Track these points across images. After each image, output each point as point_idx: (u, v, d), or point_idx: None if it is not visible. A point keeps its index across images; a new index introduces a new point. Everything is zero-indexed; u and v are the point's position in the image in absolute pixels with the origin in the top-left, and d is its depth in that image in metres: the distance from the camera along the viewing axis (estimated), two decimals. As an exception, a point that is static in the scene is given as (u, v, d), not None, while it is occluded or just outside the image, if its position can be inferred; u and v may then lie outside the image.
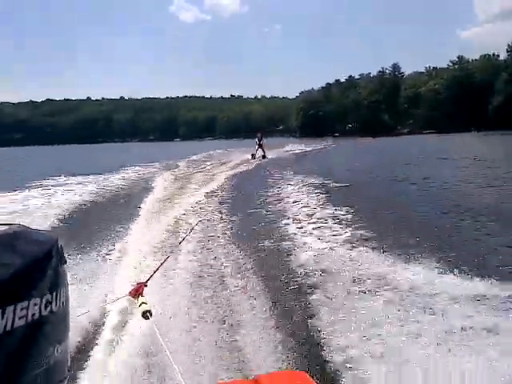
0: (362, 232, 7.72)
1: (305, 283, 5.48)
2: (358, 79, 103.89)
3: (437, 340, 3.76)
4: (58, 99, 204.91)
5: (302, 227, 8.45)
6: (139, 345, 3.62)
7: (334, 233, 7.90)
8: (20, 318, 0.83)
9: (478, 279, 5.00)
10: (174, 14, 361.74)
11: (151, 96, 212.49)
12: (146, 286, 2.18)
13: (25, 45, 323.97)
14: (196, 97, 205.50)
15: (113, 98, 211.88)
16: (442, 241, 7.19)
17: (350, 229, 8.02)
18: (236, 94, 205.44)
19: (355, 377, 3.43)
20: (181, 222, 9.66)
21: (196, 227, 8.47)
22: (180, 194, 14.06)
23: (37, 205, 12.28)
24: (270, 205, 11.45)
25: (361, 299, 4.84)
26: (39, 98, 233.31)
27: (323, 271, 5.76)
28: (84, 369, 3.50)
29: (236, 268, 6.40)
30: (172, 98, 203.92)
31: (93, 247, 7.46)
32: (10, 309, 0.82)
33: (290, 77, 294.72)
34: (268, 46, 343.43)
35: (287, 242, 7.52)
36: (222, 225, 9.31)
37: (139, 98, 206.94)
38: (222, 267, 6.46)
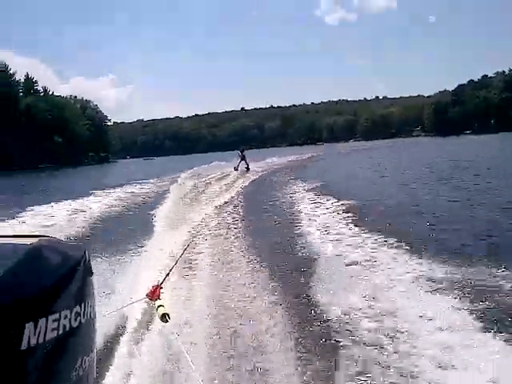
0: None
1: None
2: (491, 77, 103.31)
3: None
4: (219, 111, 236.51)
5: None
6: (159, 348, 3.54)
7: None
8: (52, 331, 0.85)
9: None
10: (320, 16, 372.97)
11: (296, 103, 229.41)
12: (161, 287, 2.22)
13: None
14: (335, 101, 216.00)
15: (263, 107, 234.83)
16: None
17: None
18: (373, 96, 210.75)
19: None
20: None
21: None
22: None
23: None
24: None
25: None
26: (203, 111, 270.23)
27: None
28: (105, 372, 3.40)
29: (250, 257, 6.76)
30: (314, 104, 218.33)
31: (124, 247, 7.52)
32: (43, 321, 0.83)
33: (430, 75, 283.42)
34: (411, 44, 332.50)
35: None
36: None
37: (287, 105, 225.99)
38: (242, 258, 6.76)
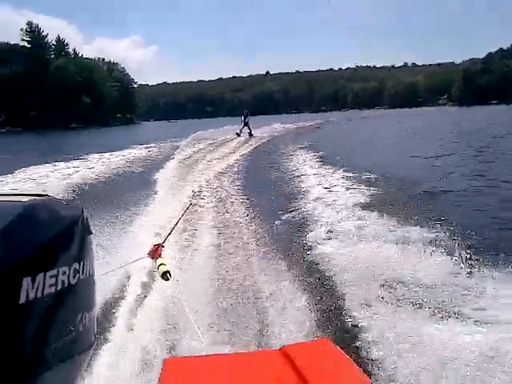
0: None
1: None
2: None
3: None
4: (244, 75, 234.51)
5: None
6: (161, 305, 3.55)
7: None
8: (50, 286, 0.86)
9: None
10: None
11: (322, 68, 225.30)
12: (163, 246, 2.22)
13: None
14: (362, 67, 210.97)
15: (289, 71, 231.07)
16: None
17: None
18: (401, 63, 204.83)
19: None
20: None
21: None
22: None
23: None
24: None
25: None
26: (227, 74, 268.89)
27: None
28: (108, 329, 3.38)
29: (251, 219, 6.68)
30: (340, 70, 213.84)
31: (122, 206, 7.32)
32: (40, 276, 0.84)
33: (462, 41, 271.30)
34: (442, 10, 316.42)
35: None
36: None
37: (313, 70, 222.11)
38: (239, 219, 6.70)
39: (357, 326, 3.26)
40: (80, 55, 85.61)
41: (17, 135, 48.95)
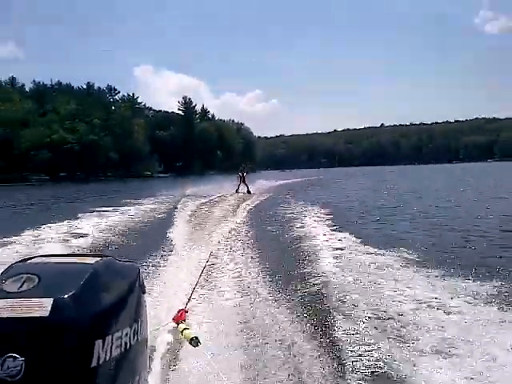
0: None
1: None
2: None
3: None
4: (357, 128, 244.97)
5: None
6: (192, 372, 3.28)
7: None
8: (116, 348, 0.86)
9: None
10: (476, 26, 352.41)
11: (439, 120, 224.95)
12: (186, 311, 2.18)
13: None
14: (471, 120, 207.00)
15: (401, 124, 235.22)
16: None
17: None
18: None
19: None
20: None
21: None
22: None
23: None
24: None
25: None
26: (339, 127, 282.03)
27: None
28: None
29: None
30: (458, 122, 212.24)
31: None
32: (109, 338, 0.85)
33: None
34: None
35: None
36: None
37: (428, 122, 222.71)
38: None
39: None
40: (217, 118, 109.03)
41: (167, 178, 65.81)
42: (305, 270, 6.60)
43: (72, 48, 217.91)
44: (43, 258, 1.06)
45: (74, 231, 10.45)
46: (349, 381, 3.27)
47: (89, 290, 0.88)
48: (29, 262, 1.04)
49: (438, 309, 4.70)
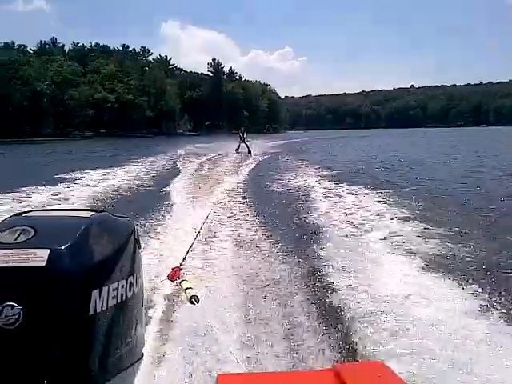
0: None
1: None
2: None
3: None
4: (387, 88, 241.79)
5: None
6: (189, 326, 3.17)
7: None
8: (112, 299, 0.88)
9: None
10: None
11: (471, 82, 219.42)
12: (181, 269, 2.19)
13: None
14: (505, 82, 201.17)
15: (428, 85, 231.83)
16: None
17: None
18: None
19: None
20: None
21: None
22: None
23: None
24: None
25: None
26: (369, 87, 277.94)
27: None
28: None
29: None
30: (490, 84, 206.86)
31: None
32: (105, 289, 0.86)
33: None
34: None
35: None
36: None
37: (459, 84, 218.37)
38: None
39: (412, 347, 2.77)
40: (243, 79, 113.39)
41: (198, 136, 70.04)
42: (308, 225, 6.44)
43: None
44: (39, 212, 1.11)
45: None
46: (356, 346, 2.92)
47: (84, 242, 0.91)
48: (24, 215, 1.08)
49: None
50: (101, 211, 1.12)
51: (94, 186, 10.35)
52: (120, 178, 12.22)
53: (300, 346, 3.02)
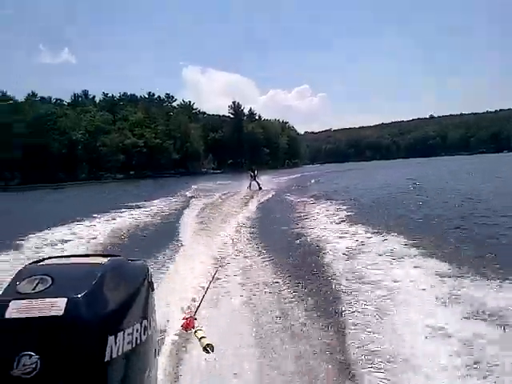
0: None
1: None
2: None
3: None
4: (405, 120, 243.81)
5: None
6: (203, 375, 3.22)
7: None
8: (127, 344, 0.89)
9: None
10: None
11: (491, 109, 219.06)
12: (195, 319, 2.13)
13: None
14: None
15: (448, 114, 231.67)
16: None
17: None
18: None
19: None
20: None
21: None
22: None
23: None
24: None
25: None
26: (387, 120, 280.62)
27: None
28: None
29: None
30: (500, 111, 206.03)
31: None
32: (121, 334, 0.88)
33: None
34: None
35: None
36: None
37: (479, 112, 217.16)
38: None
39: None
40: (263, 119, 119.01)
41: (220, 174, 74.72)
42: (319, 269, 6.18)
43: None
44: (55, 260, 1.11)
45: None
46: None
47: (100, 289, 0.93)
48: (41, 263, 1.08)
49: None
50: (116, 256, 1.14)
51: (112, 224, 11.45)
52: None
53: None
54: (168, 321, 3.98)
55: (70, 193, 40.19)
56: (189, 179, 46.15)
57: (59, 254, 1.28)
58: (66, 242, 8.83)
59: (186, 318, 2.59)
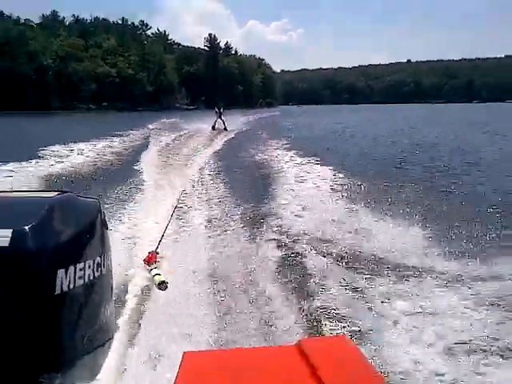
0: None
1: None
2: None
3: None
4: (383, 63, 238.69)
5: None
6: (159, 309, 3.28)
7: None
8: (79, 278, 0.89)
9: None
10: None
11: (473, 57, 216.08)
12: (157, 253, 2.03)
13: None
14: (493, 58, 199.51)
15: (422, 60, 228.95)
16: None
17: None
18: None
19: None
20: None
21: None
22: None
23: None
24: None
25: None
26: (366, 61, 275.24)
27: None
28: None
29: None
30: (487, 59, 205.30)
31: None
32: (71, 269, 0.87)
33: None
34: None
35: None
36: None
37: (455, 59, 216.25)
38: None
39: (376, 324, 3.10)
40: (239, 54, 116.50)
41: (195, 110, 73.96)
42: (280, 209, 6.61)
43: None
44: (0, 193, 1.02)
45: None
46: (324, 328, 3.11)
47: (49, 222, 0.90)
48: None
49: None
50: (65, 191, 1.13)
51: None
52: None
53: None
54: (129, 256, 3.94)
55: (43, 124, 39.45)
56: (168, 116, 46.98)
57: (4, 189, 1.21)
58: (11, 176, 8.37)
59: (149, 252, 2.54)
